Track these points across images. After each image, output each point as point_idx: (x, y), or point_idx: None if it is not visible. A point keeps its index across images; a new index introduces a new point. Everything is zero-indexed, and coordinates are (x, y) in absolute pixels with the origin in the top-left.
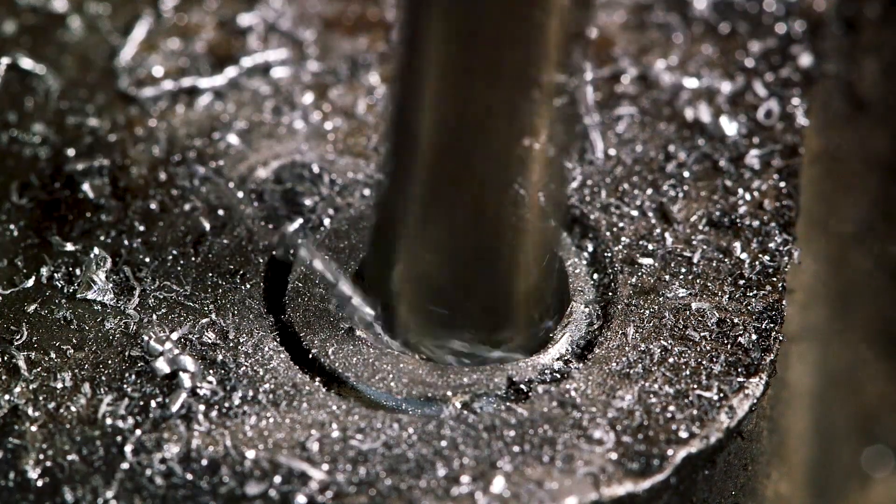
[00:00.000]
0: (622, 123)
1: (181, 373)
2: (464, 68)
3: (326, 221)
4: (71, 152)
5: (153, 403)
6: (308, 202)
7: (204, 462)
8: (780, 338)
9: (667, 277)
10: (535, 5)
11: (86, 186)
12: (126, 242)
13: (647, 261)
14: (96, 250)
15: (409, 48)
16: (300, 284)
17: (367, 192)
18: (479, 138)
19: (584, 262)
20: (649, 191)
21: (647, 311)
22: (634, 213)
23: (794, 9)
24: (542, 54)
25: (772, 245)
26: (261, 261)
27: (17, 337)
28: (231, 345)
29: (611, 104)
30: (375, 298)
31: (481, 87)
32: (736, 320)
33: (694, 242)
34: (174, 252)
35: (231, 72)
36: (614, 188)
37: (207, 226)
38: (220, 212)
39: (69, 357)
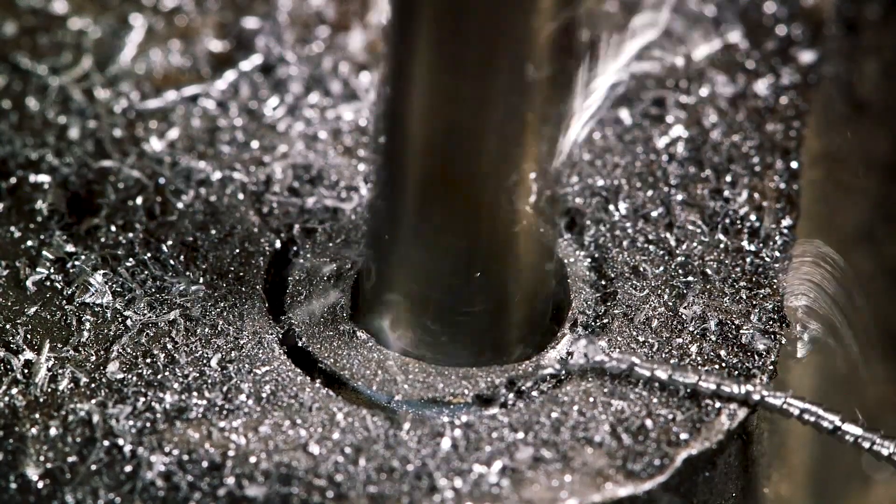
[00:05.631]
0: (622, 124)
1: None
2: (454, 72)
3: (327, 222)
4: (70, 152)
5: (154, 405)
6: (308, 202)
7: (204, 464)
8: (781, 339)
9: (667, 279)
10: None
11: (85, 188)
12: (125, 244)
13: (647, 262)
14: (90, 253)
15: (398, 58)
16: (300, 285)
17: (366, 193)
18: (473, 140)
19: (584, 264)
20: (649, 192)
21: (648, 313)
22: (635, 213)
23: (795, 10)
24: (534, 53)
25: (772, 245)
26: (261, 261)
27: (17, 339)
28: (231, 346)
29: (610, 105)
30: (382, 302)
31: (473, 89)
32: (736, 321)
33: (694, 243)
34: (173, 253)
35: (231, 74)
36: (614, 189)
37: (207, 227)
38: (220, 213)
39: (69, 359)
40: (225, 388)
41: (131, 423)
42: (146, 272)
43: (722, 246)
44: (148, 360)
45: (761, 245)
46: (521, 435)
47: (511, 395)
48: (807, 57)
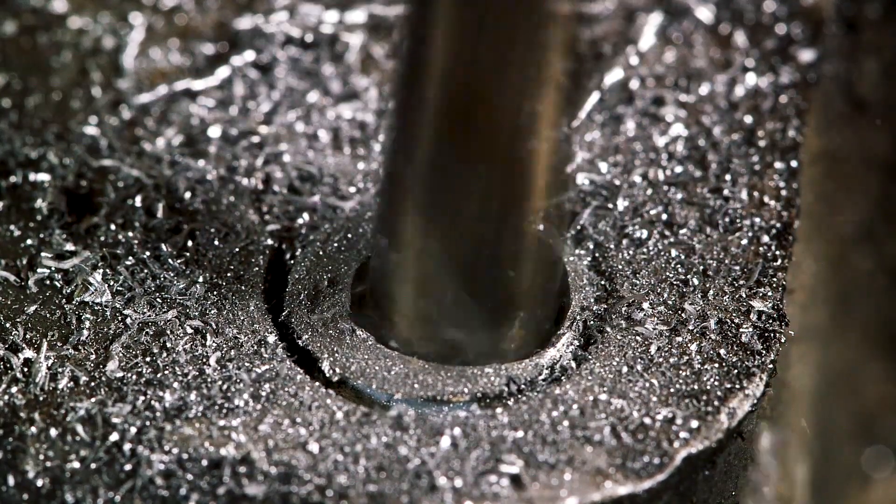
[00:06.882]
0: (622, 124)
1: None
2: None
3: (326, 222)
4: (70, 154)
5: (153, 403)
6: (309, 201)
7: (204, 462)
8: (781, 338)
9: (667, 277)
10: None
11: (85, 187)
12: (125, 243)
13: (647, 261)
14: (89, 253)
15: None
16: (300, 284)
17: (368, 191)
18: (481, 139)
19: (585, 263)
20: (650, 191)
21: (648, 311)
22: (634, 212)
23: (795, 9)
24: (549, 39)
25: (772, 245)
26: (260, 260)
27: (17, 338)
28: (231, 345)
29: (611, 104)
30: (379, 300)
31: (489, 79)
32: (736, 320)
33: (694, 243)
34: (174, 253)
35: (230, 72)
36: (614, 189)
37: (207, 226)
38: (220, 212)
39: (69, 357)
40: (224, 387)
41: (131, 421)
42: (146, 271)
43: (722, 245)
44: (147, 359)
45: (760, 243)
46: (520, 434)
47: (511, 394)
48: (806, 56)
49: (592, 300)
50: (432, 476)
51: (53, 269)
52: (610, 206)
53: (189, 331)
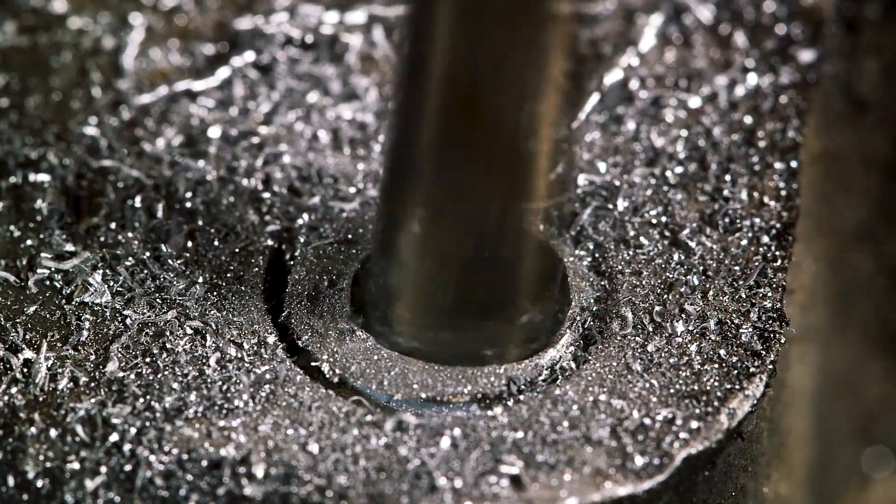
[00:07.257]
0: (622, 124)
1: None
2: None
3: (326, 222)
4: (70, 154)
5: (153, 404)
6: (308, 202)
7: (204, 463)
8: (781, 338)
9: (667, 278)
10: None
11: (85, 187)
12: (125, 244)
13: (647, 261)
14: (89, 253)
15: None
16: (300, 285)
17: (368, 191)
18: (482, 140)
19: (584, 263)
20: (649, 192)
21: (647, 311)
22: (634, 212)
23: (795, 9)
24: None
25: (772, 245)
26: (260, 261)
27: (17, 338)
28: (231, 345)
29: (611, 104)
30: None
31: (489, 79)
32: (736, 321)
33: (694, 243)
34: (173, 253)
35: (230, 73)
36: (614, 189)
37: (206, 227)
38: (220, 213)
39: (69, 358)
40: (224, 387)
41: (131, 422)
42: (145, 271)
43: (722, 245)
44: (147, 360)
45: (760, 243)
46: (520, 434)
47: (511, 394)
48: (806, 56)
49: (592, 300)
50: (432, 476)
51: (53, 269)
52: (610, 206)
53: (189, 331)
